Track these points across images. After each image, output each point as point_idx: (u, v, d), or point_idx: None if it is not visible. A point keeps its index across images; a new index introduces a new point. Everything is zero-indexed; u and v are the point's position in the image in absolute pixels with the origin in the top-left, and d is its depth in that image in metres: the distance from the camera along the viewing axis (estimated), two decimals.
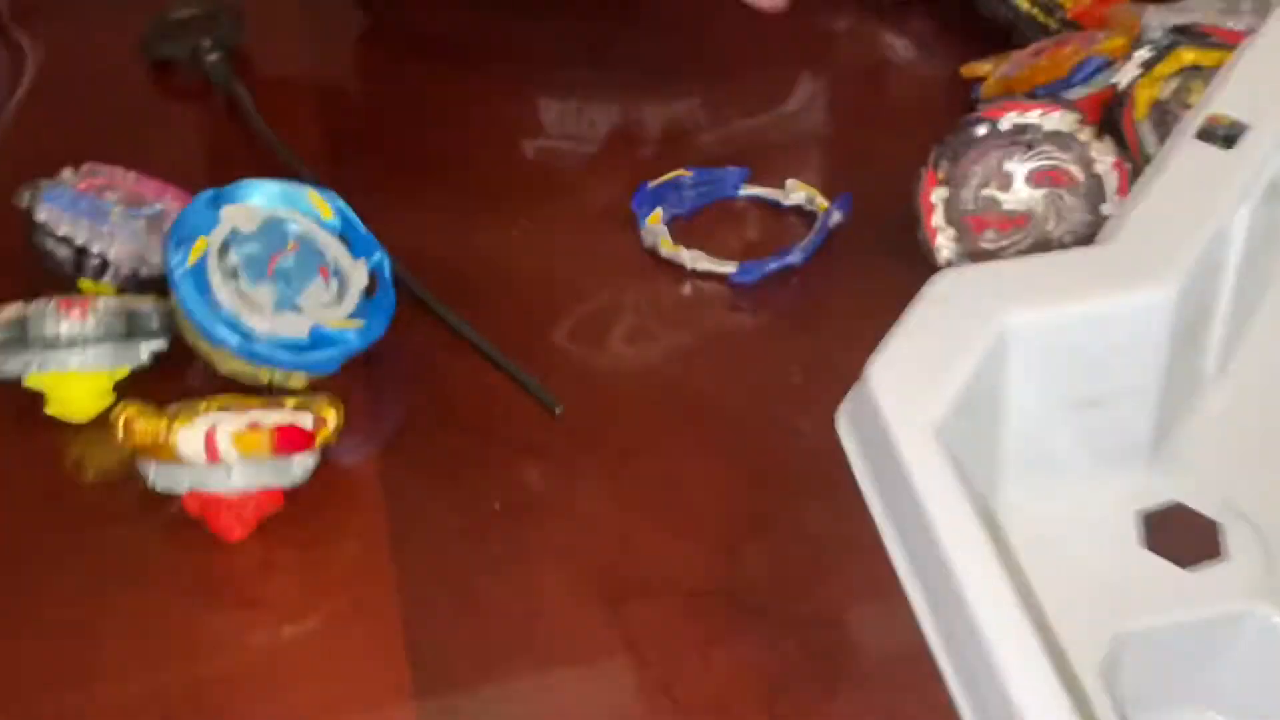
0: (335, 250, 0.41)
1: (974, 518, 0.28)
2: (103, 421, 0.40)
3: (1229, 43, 0.47)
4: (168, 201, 0.46)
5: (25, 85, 0.57)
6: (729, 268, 0.46)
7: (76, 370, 0.41)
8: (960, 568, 0.27)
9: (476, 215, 0.50)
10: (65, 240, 0.43)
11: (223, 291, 0.38)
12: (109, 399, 0.42)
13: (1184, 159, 0.35)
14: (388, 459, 0.41)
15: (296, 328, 0.39)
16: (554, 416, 0.41)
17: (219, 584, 0.38)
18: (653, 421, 0.42)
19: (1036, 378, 0.32)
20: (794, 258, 0.46)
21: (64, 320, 0.40)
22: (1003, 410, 0.33)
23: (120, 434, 0.38)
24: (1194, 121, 0.36)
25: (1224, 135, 0.36)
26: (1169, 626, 0.32)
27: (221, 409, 0.37)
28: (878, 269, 0.46)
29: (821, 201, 0.48)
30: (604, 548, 0.38)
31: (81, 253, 0.43)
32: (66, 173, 0.45)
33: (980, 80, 0.51)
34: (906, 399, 0.30)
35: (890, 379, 0.30)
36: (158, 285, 0.43)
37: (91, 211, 0.44)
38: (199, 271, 0.39)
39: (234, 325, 0.39)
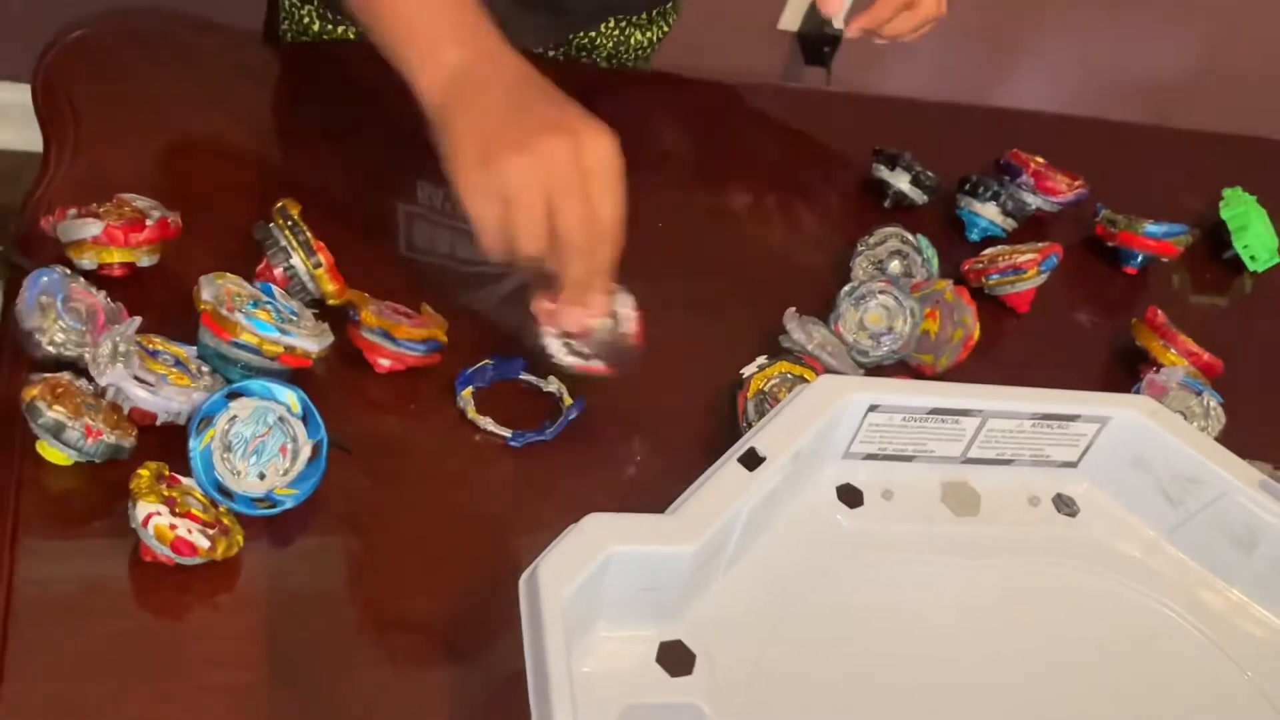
0: (296, 430, 0.70)
1: (565, 653, 0.61)
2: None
3: (812, 366, 0.82)
4: None
5: None
6: (507, 433, 0.79)
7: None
8: (553, 673, 0.61)
9: None
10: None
11: (219, 465, 0.69)
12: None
13: (726, 473, 0.69)
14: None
15: (259, 489, 0.69)
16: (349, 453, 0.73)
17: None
18: (436, 514, 0.75)
19: (623, 576, 0.66)
20: (547, 435, 0.79)
21: (84, 440, 0.68)
22: (604, 588, 0.67)
23: (133, 482, 0.68)
24: (740, 450, 0.70)
25: (749, 462, 0.70)
26: (655, 706, 0.67)
27: (174, 496, 0.67)
28: (591, 443, 0.80)
29: (568, 398, 0.81)
30: (377, 583, 0.71)
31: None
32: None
33: None
34: (553, 582, 0.63)
35: (549, 572, 0.64)
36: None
37: None
38: (207, 453, 0.68)
39: (221, 486, 0.68)
